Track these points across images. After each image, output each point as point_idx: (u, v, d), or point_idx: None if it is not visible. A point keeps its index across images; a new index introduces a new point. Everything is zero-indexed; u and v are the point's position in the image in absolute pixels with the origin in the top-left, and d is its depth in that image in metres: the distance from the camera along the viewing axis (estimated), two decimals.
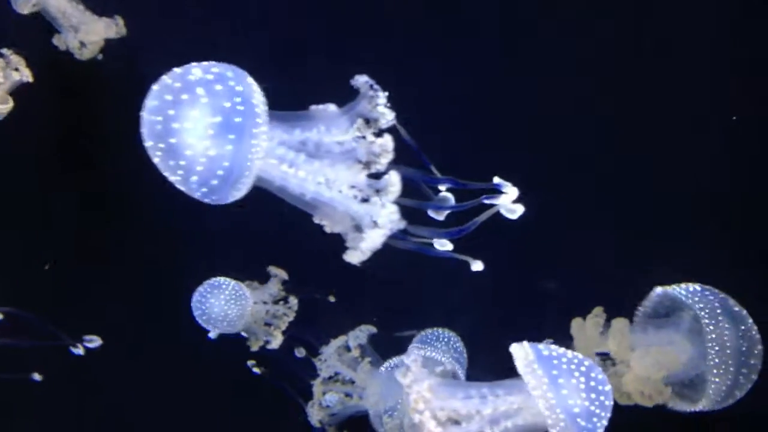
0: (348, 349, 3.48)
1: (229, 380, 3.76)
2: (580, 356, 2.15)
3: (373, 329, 3.48)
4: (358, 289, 3.49)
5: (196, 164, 1.87)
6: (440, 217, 2.34)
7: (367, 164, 2.05)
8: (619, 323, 2.88)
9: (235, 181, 1.91)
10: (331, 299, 3.56)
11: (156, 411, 3.76)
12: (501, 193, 2.26)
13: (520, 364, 2.12)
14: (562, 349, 2.16)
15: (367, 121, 2.07)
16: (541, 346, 2.19)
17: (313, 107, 2.11)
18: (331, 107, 2.11)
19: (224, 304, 3.44)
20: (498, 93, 3.62)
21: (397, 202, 2.08)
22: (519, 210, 2.28)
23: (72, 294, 3.72)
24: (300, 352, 3.61)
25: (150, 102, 1.90)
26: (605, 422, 2.09)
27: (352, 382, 3.41)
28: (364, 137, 2.05)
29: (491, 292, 3.54)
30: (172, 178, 1.93)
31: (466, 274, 3.31)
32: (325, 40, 3.55)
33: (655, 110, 3.54)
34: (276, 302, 3.60)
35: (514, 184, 2.87)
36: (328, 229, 2.06)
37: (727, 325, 2.73)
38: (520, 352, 2.14)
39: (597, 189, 3.60)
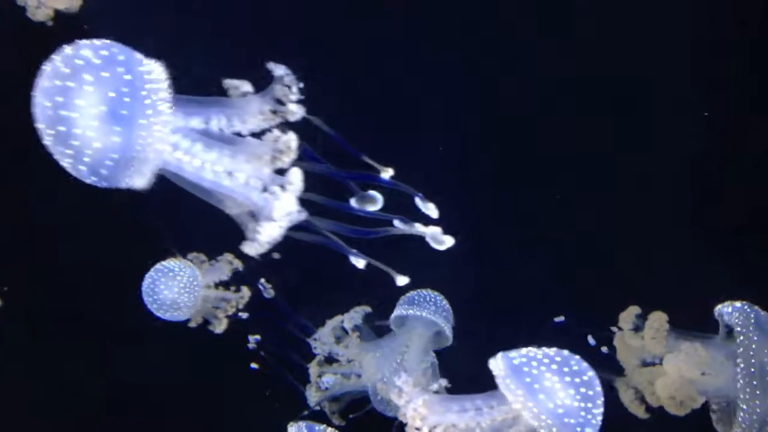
0: (343, 329, 3.48)
1: (223, 366, 3.77)
2: (551, 352, 2.15)
3: (368, 309, 3.49)
4: (348, 275, 3.46)
5: (84, 154, 1.85)
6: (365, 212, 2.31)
7: (270, 159, 2.04)
8: (656, 315, 2.91)
9: (125, 171, 1.90)
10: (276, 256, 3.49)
11: (152, 398, 3.80)
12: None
13: (498, 380, 2.14)
14: (533, 351, 2.16)
15: (275, 113, 2.08)
16: (513, 353, 2.19)
17: (227, 82, 2.11)
18: (246, 86, 2.11)
19: (177, 295, 3.40)
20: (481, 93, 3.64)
21: (310, 197, 2.09)
22: (448, 242, 2.33)
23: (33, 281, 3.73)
24: (268, 293, 3.61)
25: (41, 83, 1.89)
26: (598, 411, 2.08)
27: (349, 362, 3.41)
28: (269, 131, 2.05)
29: (484, 287, 3.57)
30: (62, 163, 1.92)
31: (461, 266, 3.38)
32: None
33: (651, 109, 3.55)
34: (227, 287, 3.55)
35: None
36: (227, 211, 2.07)
37: (755, 338, 2.70)
38: (494, 367, 2.16)
39: (595, 188, 3.61)
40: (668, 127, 3.53)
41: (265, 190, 2.03)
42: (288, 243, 2.90)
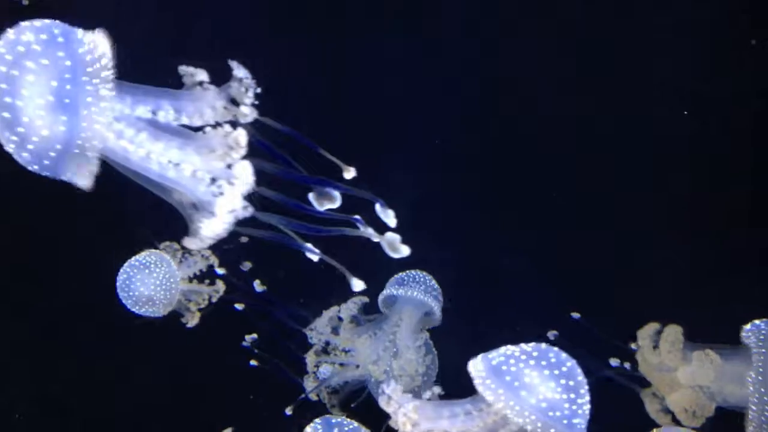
0: (339, 320, 3.50)
1: (222, 358, 3.77)
2: (528, 347, 2.14)
3: (365, 299, 3.48)
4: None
5: (28, 142, 1.87)
6: (321, 207, 2.29)
7: (219, 154, 2.03)
8: (671, 329, 2.98)
9: (69, 160, 1.90)
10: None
11: (153, 392, 3.80)
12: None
13: (477, 382, 2.13)
14: (511, 348, 2.15)
15: (227, 110, 2.08)
16: (491, 354, 2.18)
17: (182, 69, 2.10)
18: (201, 75, 2.10)
19: (153, 291, 3.38)
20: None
21: (264, 192, 2.09)
22: (405, 251, 2.32)
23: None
24: (245, 266, 3.61)
25: None
26: (583, 400, 2.07)
27: (346, 352, 3.43)
28: (220, 126, 2.05)
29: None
30: (6, 148, 1.93)
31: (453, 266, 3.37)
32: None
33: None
34: (201, 280, 3.54)
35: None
36: (173, 203, 2.08)
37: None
38: (473, 369, 2.15)
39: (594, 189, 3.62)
40: (671, 129, 3.54)
41: (212, 184, 2.02)
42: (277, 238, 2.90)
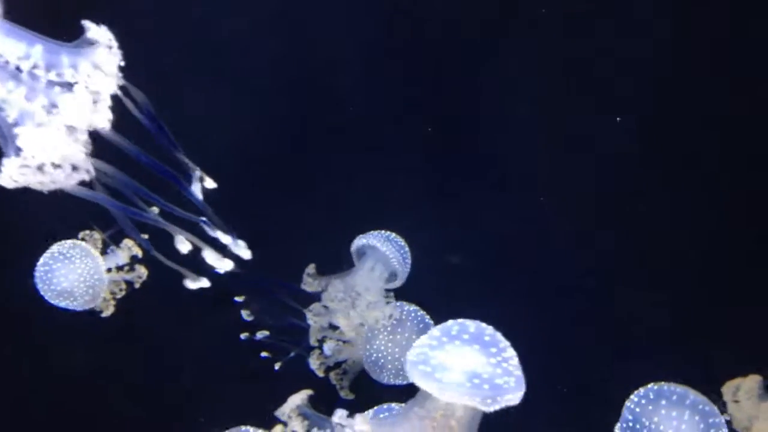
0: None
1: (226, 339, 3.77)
2: (435, 330, 2.13)
3: None
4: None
5: None
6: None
7: (57, 112, 2.02)
8: (750, 378, 3.01)
9: None
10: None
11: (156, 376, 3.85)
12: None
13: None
14: (422, 339, 2.13)
15: (87, 76, 2.06)
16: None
17: (86, 23, 2.10)
18: (104, 37, 2.09)
19: (74, 286, 3.35)
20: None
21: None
22: (227, 266, 2.36)
23: None
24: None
25: None
26: (499, 359, 2.02)
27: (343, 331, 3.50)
28: (70, 86, 2.03)
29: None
30: None
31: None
32: None
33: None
34: (120, 268, 3.51)
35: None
36: None
37: None
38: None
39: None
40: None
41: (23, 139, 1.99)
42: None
